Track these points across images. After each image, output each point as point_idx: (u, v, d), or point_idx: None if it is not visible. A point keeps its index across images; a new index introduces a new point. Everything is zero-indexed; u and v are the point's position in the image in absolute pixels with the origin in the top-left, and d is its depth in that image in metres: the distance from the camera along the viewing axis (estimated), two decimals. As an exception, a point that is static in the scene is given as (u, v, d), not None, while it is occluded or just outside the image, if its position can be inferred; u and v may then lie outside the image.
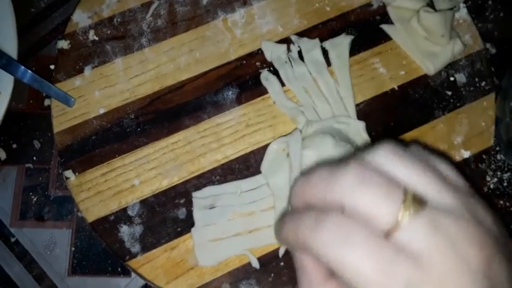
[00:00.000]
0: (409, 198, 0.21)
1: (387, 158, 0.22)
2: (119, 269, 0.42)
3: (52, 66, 0.45)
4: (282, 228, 0.25)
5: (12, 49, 0.39)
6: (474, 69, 0.44)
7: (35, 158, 0.44)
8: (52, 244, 0.42)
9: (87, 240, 0.42)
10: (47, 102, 0.45)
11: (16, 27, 0.39)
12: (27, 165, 0.44)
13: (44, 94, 0.45)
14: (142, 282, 0.42)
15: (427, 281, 0.20)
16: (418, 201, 0.21)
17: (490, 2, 0.49)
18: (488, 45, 0.47)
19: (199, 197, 0.39)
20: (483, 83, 0.43)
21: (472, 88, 0.43)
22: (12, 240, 0.42)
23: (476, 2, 0.49)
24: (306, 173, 0.24)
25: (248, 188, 0.39)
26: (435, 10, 0.43)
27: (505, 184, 0.44)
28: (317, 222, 0.22)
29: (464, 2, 0.46)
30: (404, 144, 0.24)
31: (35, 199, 0.43)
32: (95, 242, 0.42)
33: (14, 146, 0.44)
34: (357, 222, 0.21)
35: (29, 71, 0.39)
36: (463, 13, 0.45)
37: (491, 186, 0.44)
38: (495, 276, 0.21)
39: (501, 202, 0.44)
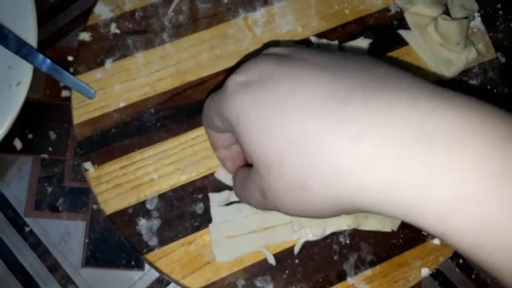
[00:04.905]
0: None
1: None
2: (133, 262, 0.42)
3: (70, 58, 0.45)
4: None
5: (32, 39, 0.39)
6: (486, 77, 0.45)
7: (50, 148, 0.44)
8: (66, 235, 0.43)
9: (101, 232, 0.43)
10: (64, 93, 0.45)
11: (36, 17, 0.39)
12: (42, 155, 0.44)
13: (62, 85, 0.45)
14: (155, 275, 0.42)
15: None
16: None
17: (500, 12, 0.50)
18: (498, 54, 0.49)
19: (217, 194, 0.40)
20: (495, 91, 0.45)
21: (484, 95, 0.44)
22: (27, 230, 0.42)
23: (487, 12, 0.50)
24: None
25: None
26: (451, 18, 0.44)
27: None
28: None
29: (478, 11, 0.47)
30: None
31: (50, 190, 0.43)
32: (109, 235, 0.43)
33: (30, 136, 0.44)
34: None
35: (50, 61, 0.39)
36: (477, 22, 0.46)
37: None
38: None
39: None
